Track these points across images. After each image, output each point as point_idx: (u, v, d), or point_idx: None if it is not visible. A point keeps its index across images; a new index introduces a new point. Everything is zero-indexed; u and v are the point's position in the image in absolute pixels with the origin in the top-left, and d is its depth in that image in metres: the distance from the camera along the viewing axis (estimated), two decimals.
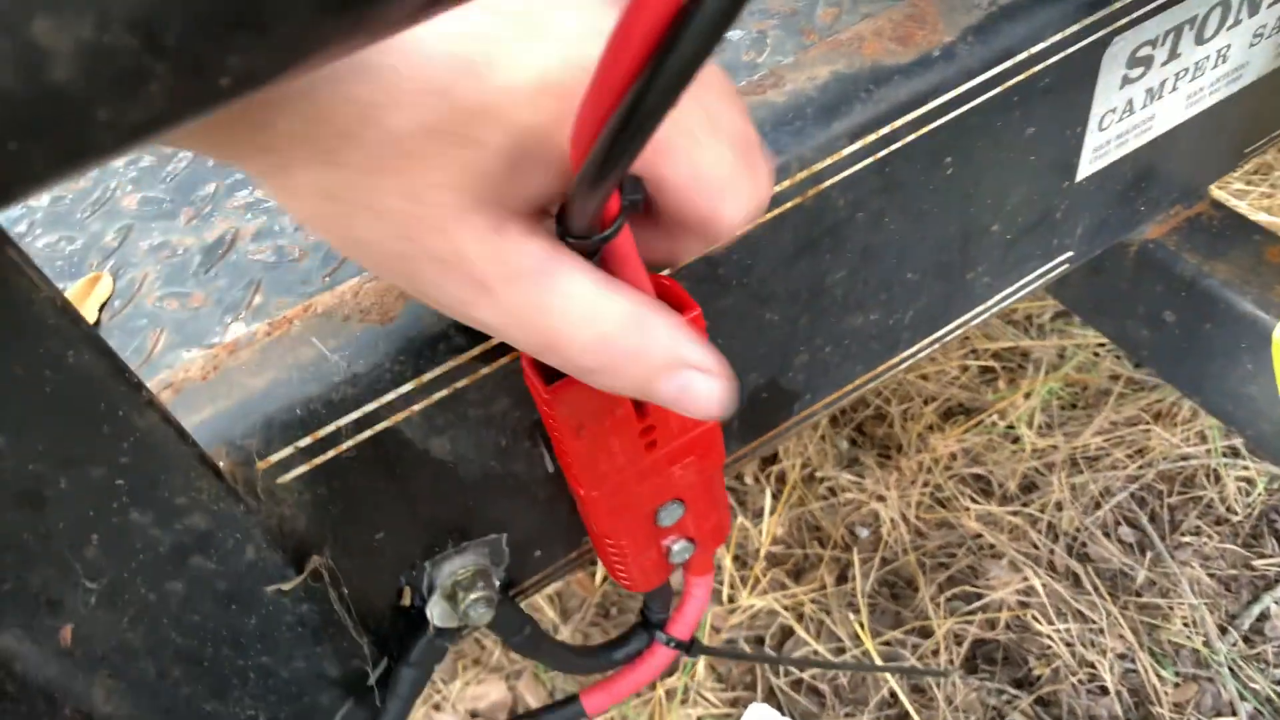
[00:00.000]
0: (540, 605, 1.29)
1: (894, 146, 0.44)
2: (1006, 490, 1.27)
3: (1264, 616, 1.14)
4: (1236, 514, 1.21)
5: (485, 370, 0.39)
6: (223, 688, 0.42)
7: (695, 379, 0.30)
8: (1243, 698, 1.09)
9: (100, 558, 0.33)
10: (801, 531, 1.29)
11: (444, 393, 0.39)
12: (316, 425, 0.37)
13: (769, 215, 0.42)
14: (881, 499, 1.27)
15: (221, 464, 0.36)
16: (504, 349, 0.39)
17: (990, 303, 0.57)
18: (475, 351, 0.38)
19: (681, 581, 0.56)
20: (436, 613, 0.45)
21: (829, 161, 0.42)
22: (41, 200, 0.51)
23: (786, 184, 0.41)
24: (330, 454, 0.38)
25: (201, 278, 0.43)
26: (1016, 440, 1.30)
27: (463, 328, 0.38)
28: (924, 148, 0.45)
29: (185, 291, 0.43)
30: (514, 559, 0.48)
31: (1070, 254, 0.58)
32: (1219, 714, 1.09)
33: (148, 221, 0.47)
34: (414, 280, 0.27)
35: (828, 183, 0.43)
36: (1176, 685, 1.11)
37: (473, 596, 0.45)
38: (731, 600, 1.23)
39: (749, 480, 1.34)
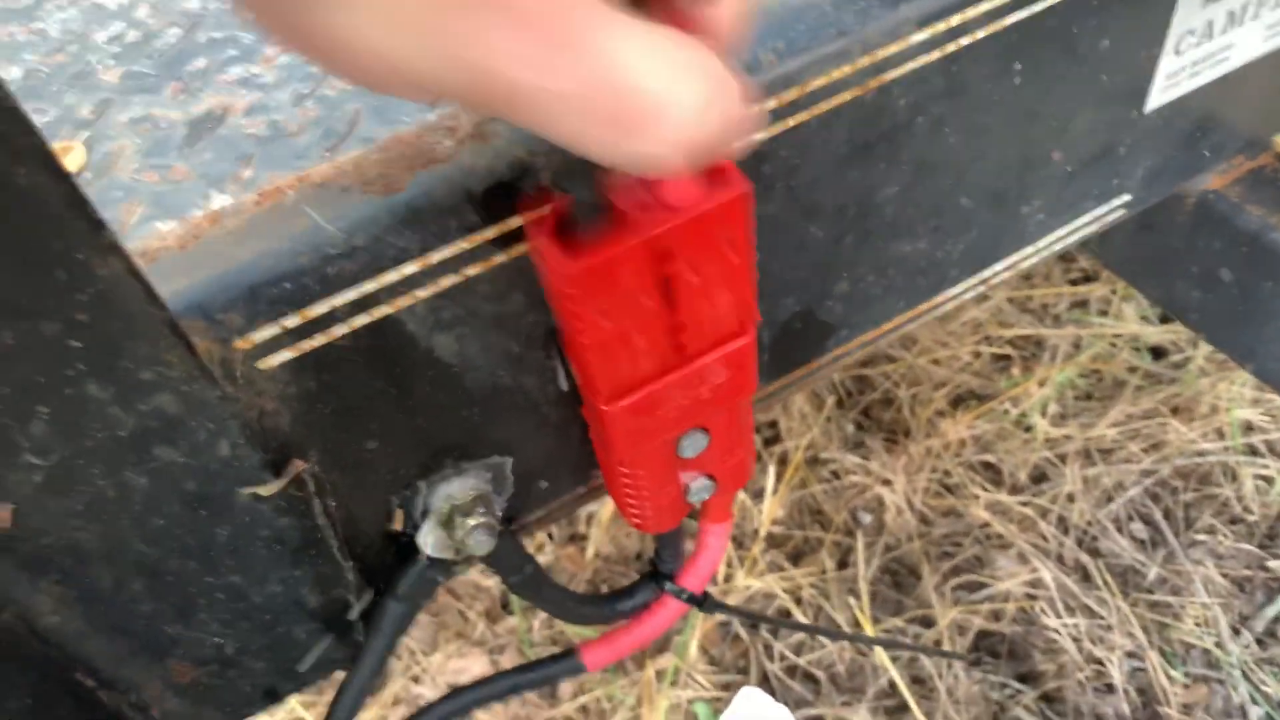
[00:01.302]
0: None
1: (963, 41, 0.39)
2: (1017, 480, 1.23)
3: (1279, 619, 1.10)
4: (1253, 513, 1.18)
5: (501, 258, 0.35)
6: (188, 608, 0.37)
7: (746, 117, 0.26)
8: (1255, 701, 1.05)
9: (49, 433, 0.29)
10: (803, 514, 1.25)
11: (453, 280, 0.34)
12: (307, 302, 0.32)
13: (824, 107, 0.38)
14: (887, 483, 1.23)
15: (196, 340, 0.31)
16: (521, 234, 0.35)
17: (1041, 243, 0.53)
18: (490, 234, 0.34)
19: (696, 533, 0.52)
20: (430, 540, 0.41)
21: (893, 49, 0.38)
22: (13, 73, 0.46)
23: (847, 70, 0.37)
24: (321, 340, 0.33)
25: (186, 151, 0.39)
26: (1029, 429, 1.26)
27: (480, 202, 0.33)
28: (994, 48, 0.41)
29: (166, 164, 0.38)
30: (518, 488, 0.44)
31: (1128, 197, 0.54)
32: (1229, 717, 1.05)
33: (129, 95, 0.43)
34: (469, 43, 0.21)
35: (890, 75, 0.38)
36: (1186, 686, 1.07)
37: (471, 523, 0.40)
38: (728, 580, 1.19)
39: None
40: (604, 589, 1.27)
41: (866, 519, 1.24)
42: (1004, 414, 1.27)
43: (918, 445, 1.26)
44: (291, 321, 0.32)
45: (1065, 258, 1.41)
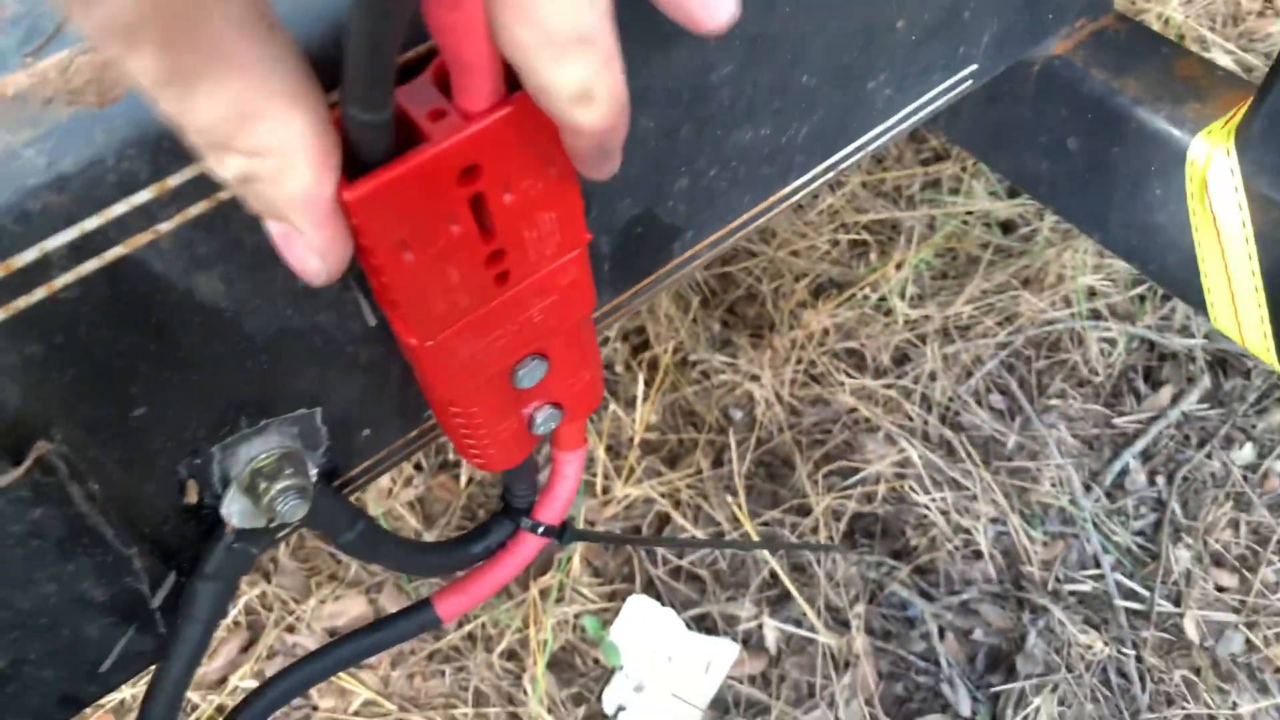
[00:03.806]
0: (400, 512, 1.19)
1: None
2: (880, 363, 1.24)
3: (1125, 472, 1.16)
4: (1099, 375, 1.23)
5: None
6: None
7: None
8: (1106, 550, 1.12)
9: None
10: (676, 417, 1.23)
11: (204, 206, 0.28)
12: (9, 250, 0.26)
13: None
14: (755, 379, 1.23)
15: None
16: None
17: (891, 121, 0.50)
18: None
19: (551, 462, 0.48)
20: (235, 510, 0.36)
21: None
22: None
23: None
24: (39, 294, 0.27)
25: None
26: (889, 313, 1.27)
27: None
28: None
29: None
30: (335, 441, 0.38)
31: (975, 67, 0.51)
32: (1084, 567, 1.12)
33: None
34: None
35: None
36: (1045, 544, 1.13)
37: (279, 487, 0.35)
38: (606, 491, 1.17)
39: (620, 369, 1.26)
40: (481, 514, 1.23)
41: (738, 415, 1.23)
42: (864, 300, 1.28)
43: (783, 338, 1.25)
44: None
45: (915, 138, 1.41)
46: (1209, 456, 1.17)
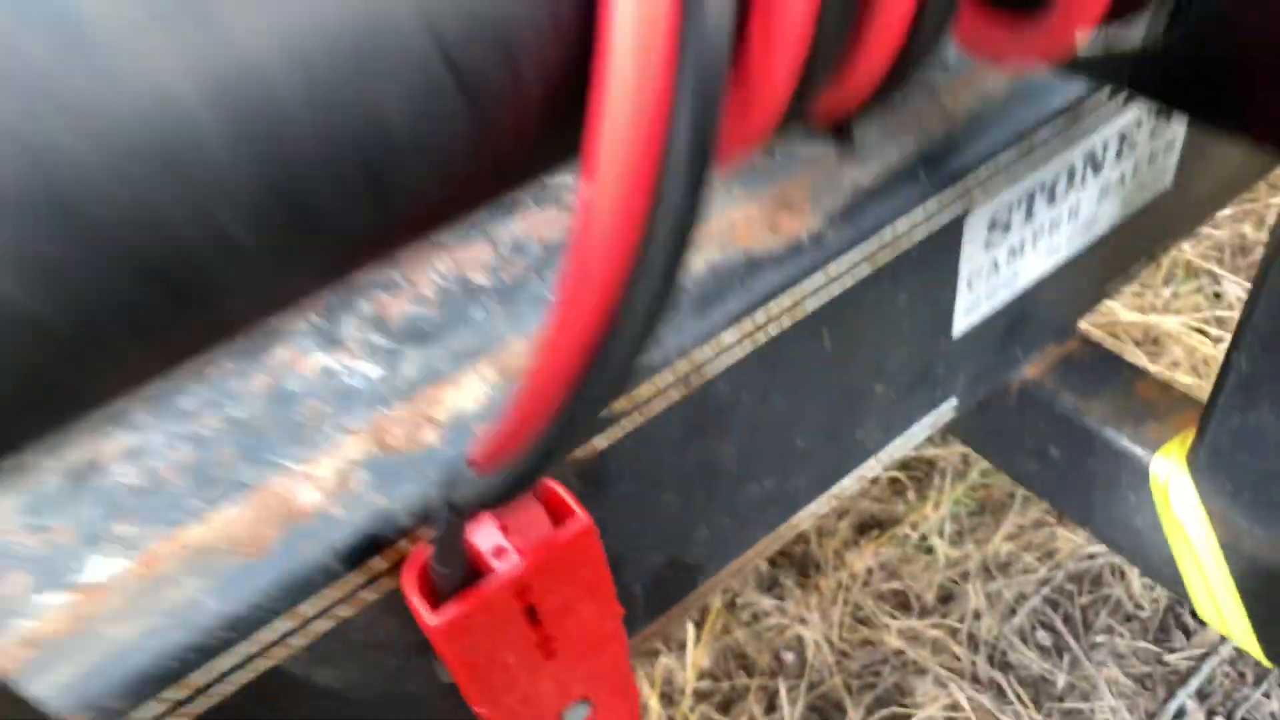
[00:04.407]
0: None
1: (772, 333, 0.45)
2: (924, 603, 1.27)
3: (1181, 713, 1.16)
4: (1144, 609, 1.24)
5: (371, 597, 0.38)
6: None
7: None
8: None
9: None
10: (727, 661, 1.27)
11: (328, 626, 0.37)
12: (191, 677, 0.34)
13: (654, 410, 0.42)
14: (804, 621, 1.27)
15: None
16: (389, 570, 0.38)
17: (882, 455, 0.58)
18: (358, 580, 0.37)
19: None
20: None
21: (709, 355, 0.43)
22: None
23: (670, 379, 0.42)
24: (205, 705, 0.35)
25: (63, 507, 0.41)
26: (930, 551, 1.32)
27: (342, 556, 0.36)
28: (802, 329, 0.46)
29: (42, 524, 0.40)
30: None
31: (955, 402, 0.60)
32: None
33: None
34: None
35: (710, 375, 0.43)
36: None
37: None
38: None
39: None
40: None
41: (789, 658, 1.26)
42: (905, 539, 1.33)
43: (828, 579, 1.30)
44: (177, 695, 0.34)
45: None
46: (1266, 695, 1.16)
